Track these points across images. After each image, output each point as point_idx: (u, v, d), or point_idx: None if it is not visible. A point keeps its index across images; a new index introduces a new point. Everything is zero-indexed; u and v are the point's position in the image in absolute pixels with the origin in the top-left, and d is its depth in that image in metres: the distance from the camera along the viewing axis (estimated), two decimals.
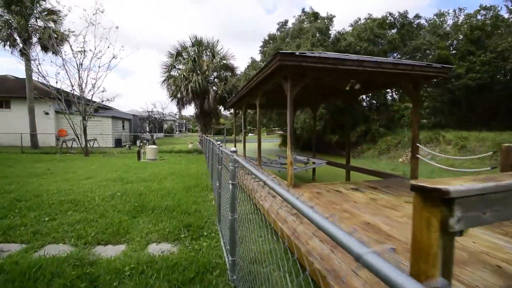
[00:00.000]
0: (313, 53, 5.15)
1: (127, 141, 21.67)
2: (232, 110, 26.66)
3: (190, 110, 69.62)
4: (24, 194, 4.90)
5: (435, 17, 24.22)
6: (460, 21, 24.30)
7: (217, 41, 15.75)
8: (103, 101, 13.91)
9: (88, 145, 15.82)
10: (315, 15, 20.37)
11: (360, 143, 20.66)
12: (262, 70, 5.45)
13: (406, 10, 20.47)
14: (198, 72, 14.80)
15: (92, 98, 13.40)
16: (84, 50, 12.66)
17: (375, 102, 22.84)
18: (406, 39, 19.79)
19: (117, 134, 20.66)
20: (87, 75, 12.80)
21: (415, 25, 21.22)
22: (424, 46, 19.38)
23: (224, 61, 15.81)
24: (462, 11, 24.33)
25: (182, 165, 9.92)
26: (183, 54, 15.80)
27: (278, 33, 22.78)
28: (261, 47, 24.99)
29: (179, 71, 15.62)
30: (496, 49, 17.21)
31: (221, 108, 17.10)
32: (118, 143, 19.56)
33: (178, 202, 4.61)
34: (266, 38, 24.02)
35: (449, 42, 21.37)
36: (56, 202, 4.40)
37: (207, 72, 14.63)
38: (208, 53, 15.90)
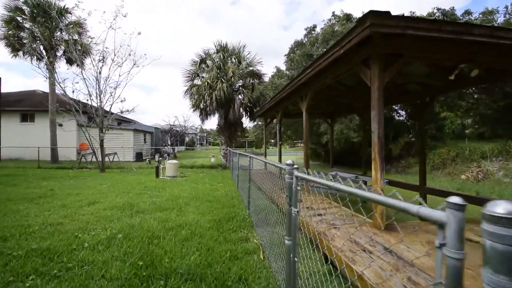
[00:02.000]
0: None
1: (148, 155, 20.73)
2: (256, 122, 25.18)
3: (212, 123, 69.86)
4: None
5: (480, 15, 21.54)
6: None
7: (244, 46, 14.48)
8: (122, 112, 12.91)
9: (108, 159, 14.89)
10: (348, 17, 18.68)
11: (403, 156, 18.04)
12: (329, 51, 3.70)
13: (453, 7, 18.19)
14: (223, 79, 13.46)
15: (110, 109, 12.43)
16: (104, 57, 11.83)
17: (418, 101, 20.28)
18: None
19: (138, 148, 19.79)
20: (106, 84, 11.88)
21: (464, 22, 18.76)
22: None
23: (251, 68, 14.40)
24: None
25: (206, 184, 8.25)
26: (207, 61, 14.64)
27: (306, 39, 21.30)
28: (286, 55, 23.63)
29: (202, 79, 14.41)
30: None
31: (247, 119, 15.54)
32: (139, 157, 18.58)
33: (208, 257, 2.84)
34: (292, 45, 22.64)
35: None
36: (21, 255, 2.81)
37: (232, 78, 13.25)
38: (234, 59, 14.61)
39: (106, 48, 11.98)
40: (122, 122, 23.20)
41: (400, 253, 2.72)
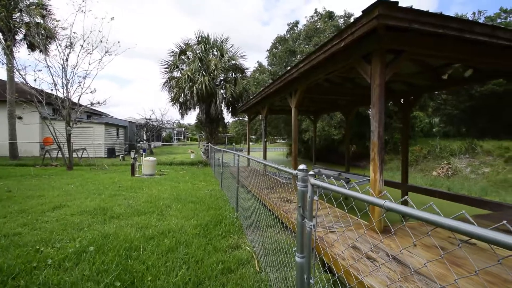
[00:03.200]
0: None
1: (121, 151, 19.47)
2: (237, 117, 24.71)
3: (190, 117, 67.77)
4: None
5: None
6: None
7: (226, 39, 13.89)
8: (92, 104, 11.83)
9: (76, 156, 13.68)
10: (330, 15, 18.77)
11: None
12: (328, 43, 3.46)
13: (428, 10, 19.01)
14: (205, 72, 12.85)
15: (79, 100, 11.33)
16: (71, 43, 10.68)
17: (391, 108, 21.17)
18: None
19: (110, 143, 18.49)
20: (74, 73, 10.78)
21: None
22: None
23: (234, 61, 13.91)
24: (482, 13, 23.04)
25: (188, 183, 7.78)
26: (187, 52, 13.87)
27: (288, 34, 21.15)
28: (268, 50, 23.36)
29: (182, 72, 13.66)
30: None
31: (229, 114, 15.09)
32: (111, 153, 17.36)
33: (197, 271, 2.50)
34: (274, 40, 22.40)
35: None
36: None
37: (215, 71, 12.69)
38: (216, 52, 13.99)
39: (74, 33, 10.84)
40: (92, 115, 21.56)
41: (404, 259, 2.59)
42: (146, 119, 23.36)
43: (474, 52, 3.41)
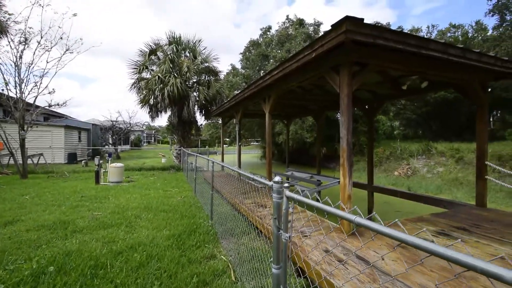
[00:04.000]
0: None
1: (84, 156, 18.10)
2: (210, 120, 24.36)
3: (162, 119, 65.27)
4: None
5: (408, 32, 24.93)
6: (433, 37, 25.38)
7: (199, 41, 13.67)
8: (50, 106, 10.86)
9: (31, 162, 12.41)
10: (301, 22, 19.42)
11: None
12: (300, 53, 3.58)
13: (389, 23, 20.56)
14: (176, 74, 12.49)
15: (35, 102, 10.32)
16: (26, 38, 9.71)
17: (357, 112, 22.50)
18: None
19: (71, 148, 17.10)
20: (29, 71, 9.81)
21: None
22: None
23: (207, 64, 13.71)
24: (435, 27, 25.48)
25: (159, 190, 7.48)
26: (158, 53, 13.38)
27: (261, 39, 21.44)
28: (241, 53, 23.46)
29: (152, 73, 13.13)
30: None
31: (202, 117, 14.83)
32: (72, 158, 16.06)
33: (171, 287, 2.41)
34: (248, 44, 22.56)
35: None
36: None
37: (187, 74, 12.39)
38: (188, 53, 13.68)
39: (30, 28, 9.90)
40: (50, 117, 19.77)
41: (372, 260, 2.75)
42: (112, 121, 22.00)
43: (429, 65, 3.76)
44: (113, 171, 8.37)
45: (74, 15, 10.57)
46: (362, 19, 2.80)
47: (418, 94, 7.65)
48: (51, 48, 10.13)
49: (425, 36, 24.07)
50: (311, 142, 17.61)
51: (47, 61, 10.23)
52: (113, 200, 5.91)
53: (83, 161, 14.90)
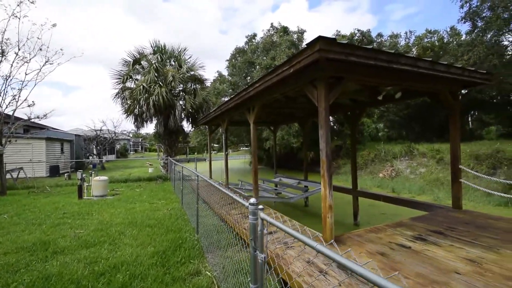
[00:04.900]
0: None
1: (67, 168, 17.53)
2: (198, 128, 24.25)
3: (150, 127, 64.16)
4: None
5: (388, 38, 25.98)
6: (411, 42, 26.49)
7: (184, 49, 13.67)
8: (30, 119, 10.52)
9: (10, 177, 11.91)
10: (285, 30, 19.81)
11: (334, 158, 20.09)
12: (279, 68, 3.70)
13: (369, 29, 21.32)
14: (162, 83, 12.42)
15: (13, 114, 9.98)
16: (3, 51, 9.41)
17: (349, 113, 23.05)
18: None
19: (53, 160, 16.55)
20: (7, 84, 9.49)
21: (376, 44, 22.16)
22: None
23: (193, 72, 13.71)
24: (412, 33, 26.60)
25: (145, 202, 7.37)
26: (142, 62, 13.26)
27: (247, 46, 21.69)
28: (227, 60, 23.60)
29: (137, 82, 12.99)
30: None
31: (189, 125, 14.76)
32: (54, 171, 15.54)
33: None
34: (234, 51, 22.74)
35: None
36: None
37: (172, 83, 12.35)
38: (174, 62, 13.66)
39: (7, 39, 9.61)
40: (31, 128, 19.08)
41: (351, 268, 2.85)
42: (95, 131, 21.47)
43: (401, 78, 3.97)
44: (96, 185, 8.18)
45: (54, 25, 10.37)
46: (335, 39, 2.95)
47: (396, 102, 7.98)
48: (30, 59, 9.88)
49: (404, 40, 24.81)
50: (298, 147, 17.85)
51: (26, 73, 9.96)
52: (96, 216, 5.78)
53: (66, 174, 14.44)
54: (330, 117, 22.78)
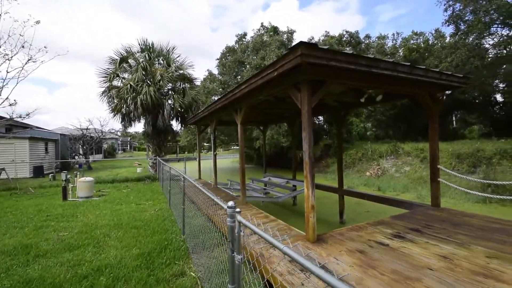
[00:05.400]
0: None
1: (52, 168, 17.07)
2: (188, 127, 24.07)
3: (139, 125, 63.02)
4: None
5: (376, 39, 26.50)
6: (398, 43, 27.09)
7: (173, 48, 13.53)
8: (12, 118, 10.20)
9: None
10: (275, 29, 19.89)
11: (323, 157, 20.39)
12: (264, 71, 3.76)
13: (357, 31, 21.66)
14: (150, 82, 12.27)
15: None
16: None
17: (335, 115, 23.36)
18: None
19: (37, 160, 16.07)
20: None
21: (364, 45, 22.57)
22: None
23: (181, 71, 13.59)
24: (399, 34, 27.20)
25: (132, 203, 7.30)
26: (129, 60, 13.04)
27: (237, 45, 21.65)
28: (218, 59, 23.49)
29: (124, 81, 12.78)
30: (437, 68, 19.04)
31: (179, 124, 14.65)
32: (38, 172, 15.10)
33: None
34: (224, 50, 22.66)
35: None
36: None
37: (161, 82, 12.21)
38: (162, 61, 13.50)
39: None
40: (13, 127, 18.44)
41: (331, 267, 2.95)
42: (82, 130, 20.93)
43: (382, 81, 4.10)
44: (82, 186, 8.04)
45: (37, 22, 10.08)
46: (316, 44, 3.03)
47: (378, 104, 8.20)
48: (11, 57, 9.57)
49: (392, 42, 25.25)
50: (288, 146, 18.02)
51: (7, 71, 9.64)
52: (81, 218, 5.70)
53: (50, 175, 14.06)
54: (320, 117, 23.05)
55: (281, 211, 8.18)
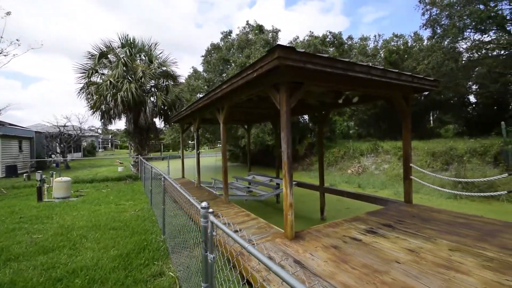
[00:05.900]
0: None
1: (26, 168, 16.25)
2: (172, 125, 23.67)
3: (121, 123, 61.02)
4: None
5: (359, 40, 27.19)
6: (379, 45, 27.93)
7: (155, 44, 13.22)
8: None
9: None
10: (260, 28, 19.91)
11: (308, 155, 20.76)
12: (244, 72, 3.81)
13: (340, 31, 22.12)
14: (131, 79, 11.94)
15: None
16: None
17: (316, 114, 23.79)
18: (344, 58, 21.23)
19: (10, 159, 15.25)
20: None
21: (347, 46, 23.08)
22: None
23: (164, 68, 13.34)
24: (381, 36, 28.04)
25: (111, 204, 7.13)
26: (109, 56, 12.62)
27: (222, 43, 21.48)
28: (203, 56, 23.20)
29: (103, 77, 12.36)
30: (415, 70, 19.80)
31: (162, 122, 14.38)
32: (11, 171, 14.34)
33: None
34: (209, 47, 22.41)
35: (374, 62, 24.03)
36: None
37: (142, 79, 11.93)
38: (144, 57, 13.16)
39: None
40: None
41: (306, 263, 3.07)
42: (59, 127, 20.00)
43: (357, 84, 4.27)
44: (58, 186, 7.74)
45: (8, 13, 9.52)
46: (293, 47, 3.11)
47: (356, 104, 8.48)
48: None
49: (373, 43, 25.94)
50: (273, 144, 18.19)
51: None
52: (57, 220, 5.51)
53: (24, 174, 13.39)
54: (305, 116, 23.31)
55: (264, 209, 8.29)
